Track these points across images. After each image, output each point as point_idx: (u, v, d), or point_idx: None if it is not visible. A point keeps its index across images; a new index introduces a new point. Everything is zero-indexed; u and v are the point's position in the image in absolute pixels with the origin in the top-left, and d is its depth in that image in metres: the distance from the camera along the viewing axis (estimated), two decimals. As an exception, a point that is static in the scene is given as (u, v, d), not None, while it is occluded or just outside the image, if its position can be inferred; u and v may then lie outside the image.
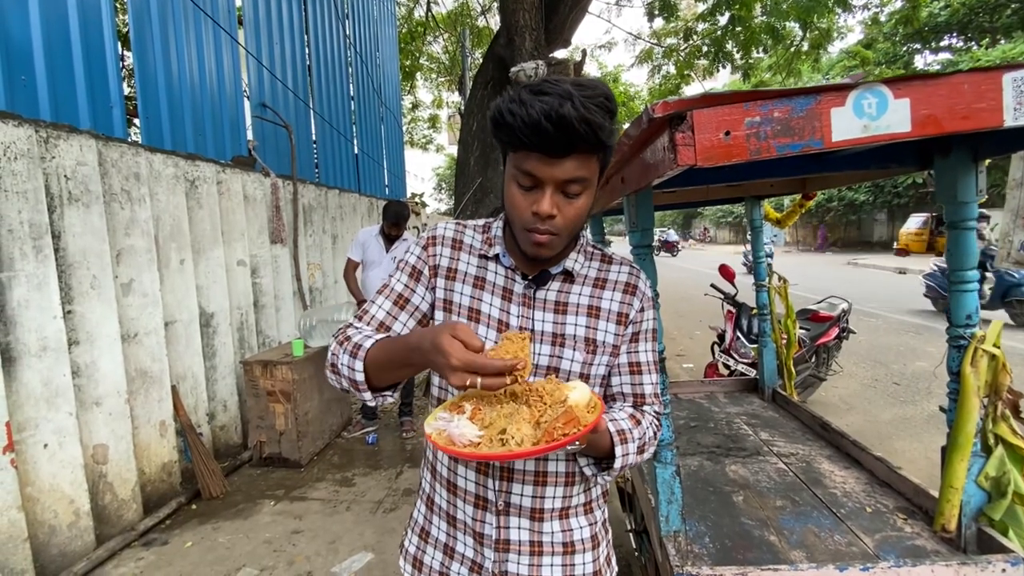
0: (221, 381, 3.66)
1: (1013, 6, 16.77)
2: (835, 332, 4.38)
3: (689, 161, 0.84)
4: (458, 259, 0.93)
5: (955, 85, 0.83)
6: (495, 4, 9.46)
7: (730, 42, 7.01)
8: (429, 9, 10.57)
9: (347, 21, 7.15)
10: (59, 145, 2.46)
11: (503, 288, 0.90)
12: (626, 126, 1.05)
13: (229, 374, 3.72)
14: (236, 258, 3.85)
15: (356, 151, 7.27)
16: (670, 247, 24.65)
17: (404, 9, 11.44)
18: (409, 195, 10.61)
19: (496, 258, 0.92)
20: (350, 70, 7.17)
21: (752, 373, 3.77)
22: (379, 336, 0.83)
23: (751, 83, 8.01)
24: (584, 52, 6.98)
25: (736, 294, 4.54)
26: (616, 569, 1.00)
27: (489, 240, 0.93)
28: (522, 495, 0.88)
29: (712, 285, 4.77)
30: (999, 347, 1.32)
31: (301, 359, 3.57)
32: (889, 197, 20.24)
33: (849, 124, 0.84)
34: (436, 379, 0.93)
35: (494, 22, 11.15)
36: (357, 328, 0.89)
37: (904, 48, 20.49)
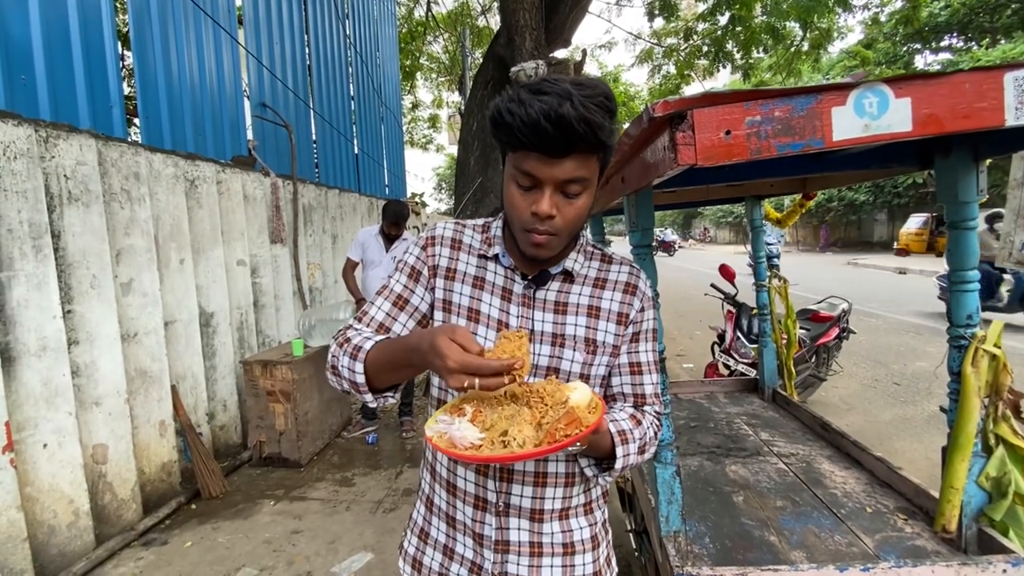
0: (221, 381, 3.65)
1: (1013, 6, 16.76)
2: (835, 332, 4.38)
3: (689, 160, 0.84)
4: (457, 259, 0.92)
5: (956, 84, 0.83)
6: (495, 4, 9.46)
7: (730, 42, 7.01)
8: (429, 9, 10.58)
9: (347, 21, 7.15)
10: (59, 145, 2.46)
11: (503, 288, 0.90)
12: (626, 126, 1.05)
13: (229, 374, 3.72)
14: (236, 258, 3.85)
15: (356, 151, 7.27)
16: (667, 247, 24.69)
17: (404, 9, 11.44)
18: (409, 195, 10.61)
19: (496, 258, 0.91)
20: (350, 70, 7.17)
21: (752, 373, 3.77)
22: (379, 338, 0.83)
23: (751, 83, 8.00)
24: (584, 52, 6.98)
25: (736, 294, 4.54)
26: (616, 570, 1.00)
27: (488, 240, 0.93)
28: (522, 496, 0.87)
29: (712, 285, 4.76)
30: (1000, 347, 1.31)
31: (301, 359, 3.57)
32: (889, 197, 20.23)
33: (850, 123, 0.84)
34: (436, 380, 0.93)
35: (494, 22, 11.16)
36: (357, 330, 0.89)
37: (904, 48, 20.48)
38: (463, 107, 8.51)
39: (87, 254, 2.58)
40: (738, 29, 6.71)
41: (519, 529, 0.88)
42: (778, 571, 1.20)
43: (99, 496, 2.63)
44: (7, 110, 2.28)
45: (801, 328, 4.20)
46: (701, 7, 7.42)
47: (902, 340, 6.60)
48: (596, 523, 0.95)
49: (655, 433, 0.90)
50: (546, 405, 0.72)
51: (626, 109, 14.85)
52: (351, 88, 7.19)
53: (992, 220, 6.64)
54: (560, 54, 5.32)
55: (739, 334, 4.24)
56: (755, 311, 2.86)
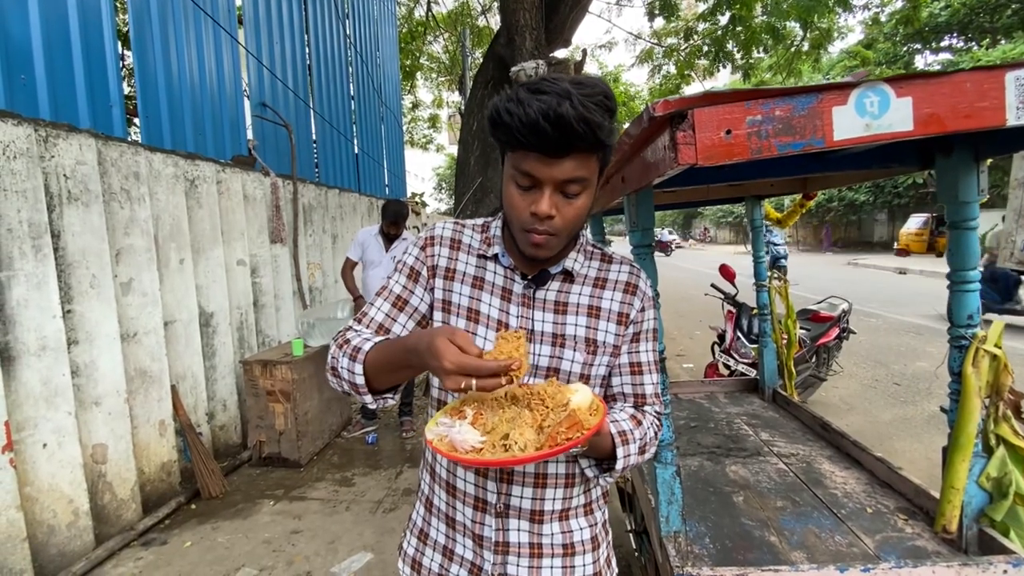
0: (221, 381, 3.65)
1: (1013, 6, 16.75)
2: (835, 332, 4.38)
3: (690, 160, 0.84)
4: (457, 259, 0.92)
5: (958, 84, 0.82)
6: (495, 4, 9.46)
7: (730, 42, 7.01)
8: (429, 9, 10.57)
9: (347, 20, 7.15)
10: (58, 144, 2.46)
11: (502, 288, 0.89)
12: (626, 125, 1.04)
13: (229, 374, 3.71)
14: (236, 258, 3.84)
15: (356, 151, 7.27)
16: (663, 247, 24.79)
17: (404, 9, 11.44)
18: (409, 195, 10.60)
19: (495, 258, 0.91)
20: (350, 69, 7.17)
21: (752, 373, 3.76)
22: (378, 339, 0.83)
23: (751, 83, 8.00)
24: (584, 52, 6.97)
25: (736, 294, 4.54)
26: (616, 570, 1.00)
27: (488, 240, 0.92)
28: (522, 497, 0.87)
29: (712, 285, 4.76)
30: (1000, 347, 1.31)
31: (301, 359, 3.57)
32: (889, 197, 20.22)
33: (851, 123, 0.83)
34: (436, 380, 0.92)
35: (494, 22, 11.15)
36: (356, 331, 0.88)
37: (904, 48, 20.47)
38: (463, 107, 8.51)
39: (87, 254, 2.58)
40: (738, 29, 6.71)
41: (519, 530, 0.88)
42: (778, 571, 1.20)
43: (99, 496, 2.63)
44: (7, 109, 2.28)
45: (801, 328, 4.20)
46: (701, 7, 7.43)
47: (902, 340, 6.59)
48: (596, 524, 0.95)
49: (655, 433, 0.90)
50: (547, 407, 0.71)
51: (626, 109, 14.84)
52: (351, 88, 7.18)
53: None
54: (560, 54, 5.32)
55: (739, 334, 4.24)
56: (755, 311, 2.86)
